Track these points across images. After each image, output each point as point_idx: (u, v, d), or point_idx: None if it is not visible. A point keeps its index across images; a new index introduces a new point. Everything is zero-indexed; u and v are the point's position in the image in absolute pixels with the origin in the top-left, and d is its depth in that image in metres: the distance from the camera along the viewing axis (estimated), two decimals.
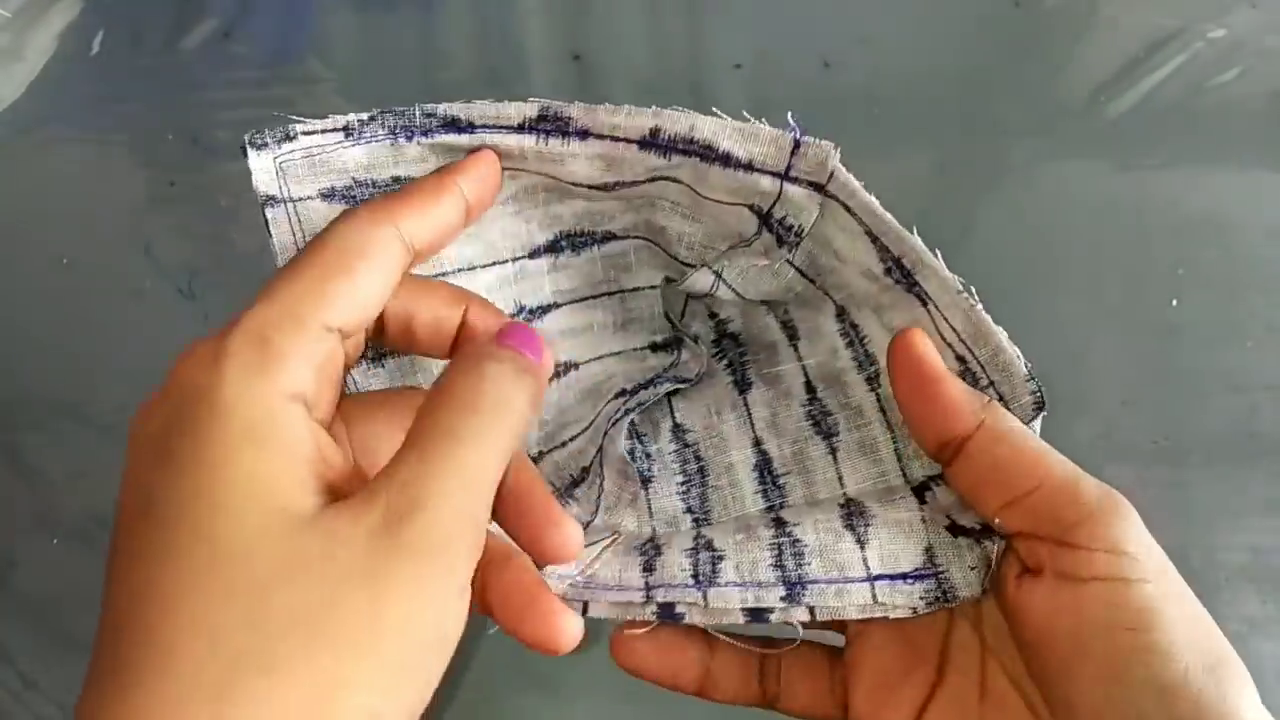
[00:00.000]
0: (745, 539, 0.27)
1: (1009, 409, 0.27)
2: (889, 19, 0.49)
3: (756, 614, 0.26)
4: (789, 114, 0.27)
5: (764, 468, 0.30)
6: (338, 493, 0.19)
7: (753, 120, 0.27)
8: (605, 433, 0.29)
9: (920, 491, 0.28)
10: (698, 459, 0.31)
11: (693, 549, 0.27)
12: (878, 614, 0.26)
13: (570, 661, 0.41)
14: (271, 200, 0.26)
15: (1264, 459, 0.45)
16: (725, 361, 0.32)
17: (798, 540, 0.27)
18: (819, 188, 0.27)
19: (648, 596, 0.27)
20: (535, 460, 0.32)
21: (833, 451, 0.30)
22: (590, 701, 0.43)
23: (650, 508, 0.31)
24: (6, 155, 0.48)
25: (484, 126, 0.26)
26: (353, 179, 0.26)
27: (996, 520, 0.26)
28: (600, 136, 0.26)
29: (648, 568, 0.27)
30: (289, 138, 0.25)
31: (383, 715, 0.17)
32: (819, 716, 0.29)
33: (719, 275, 0.30)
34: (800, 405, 0.31)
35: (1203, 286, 0.46)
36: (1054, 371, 0.46)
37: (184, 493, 0.18)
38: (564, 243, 0.31)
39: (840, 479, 0.30)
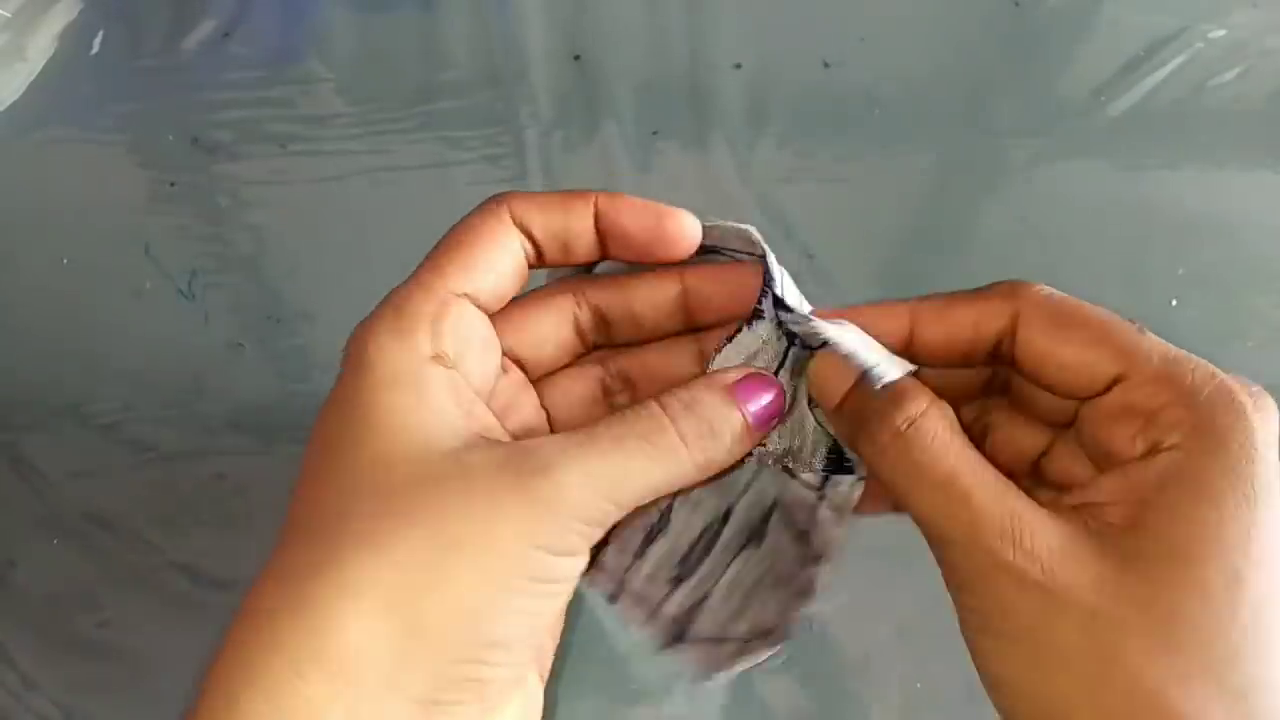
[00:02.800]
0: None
1: None
2: (889, 19, 0.49)
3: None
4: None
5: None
6: (483, 438, 0.23)
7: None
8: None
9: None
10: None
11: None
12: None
13: (575, 661, 0.41)
14: None
15: None
16: None
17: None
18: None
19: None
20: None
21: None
22: (594, 701, 0.43)
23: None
24: (6, 155, 0.48)
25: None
26: None
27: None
28: None
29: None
30: None
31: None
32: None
33: None
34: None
35: (1203, 286, 0.46)
36: None
37: (340, 425, 0.23)
38: None
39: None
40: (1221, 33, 0.49)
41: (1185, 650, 0.19)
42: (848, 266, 0.46)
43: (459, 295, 0.24)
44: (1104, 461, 0.23)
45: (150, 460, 0.45)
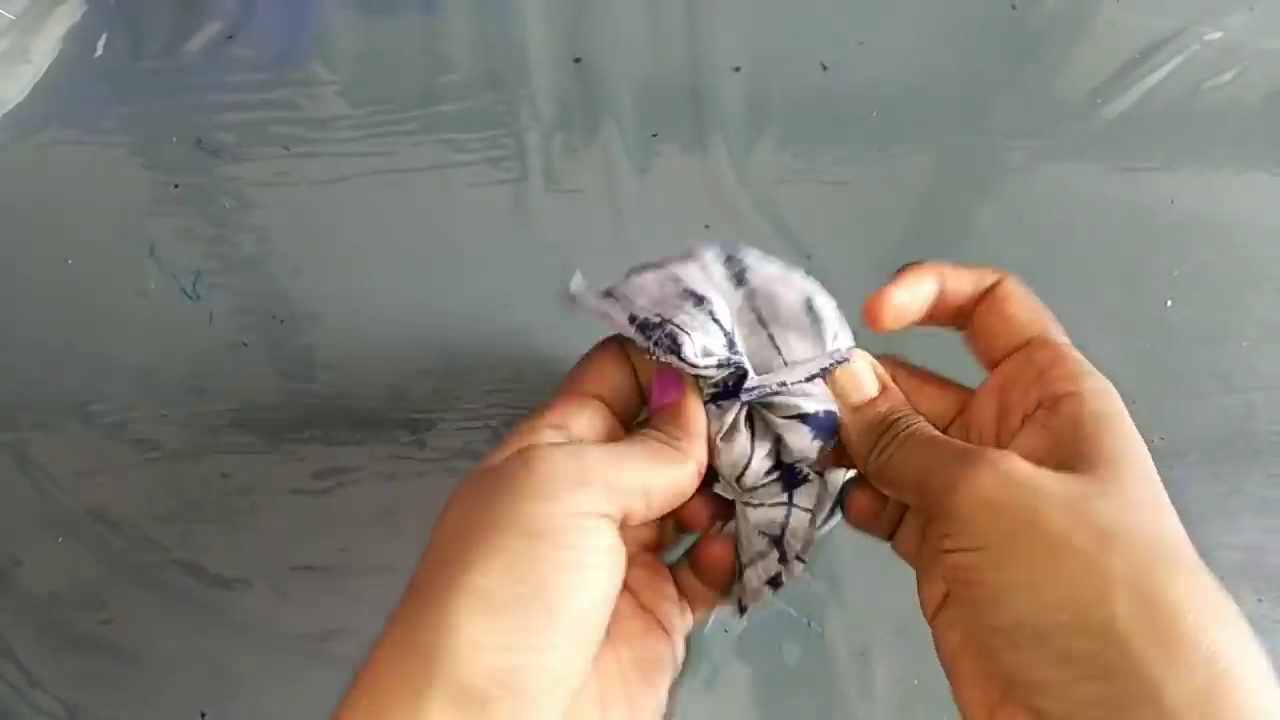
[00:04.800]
0: None
1: None
2: (887, 22, 0.49)
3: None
4: None
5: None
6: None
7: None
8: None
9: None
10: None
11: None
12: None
13: None
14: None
15: (1260, 459, 0.46)
16: None
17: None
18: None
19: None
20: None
21: None
22: None
23: None
24: (10, 157, 0.48)
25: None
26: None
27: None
28: None
29: None
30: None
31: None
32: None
33: None
34: None
35: (1199, 287, 0.47)
36: None
37: (495, 490, 0.28)
38: None
39: None
40: (1218, 35, 0.49)
41: (1148, 508, 0.27)
42: (846, 267, 0.46)
43: (593, 396, 0.32)
44: (1004, 422, 0.30)
45: (154, 459, 0.45)
